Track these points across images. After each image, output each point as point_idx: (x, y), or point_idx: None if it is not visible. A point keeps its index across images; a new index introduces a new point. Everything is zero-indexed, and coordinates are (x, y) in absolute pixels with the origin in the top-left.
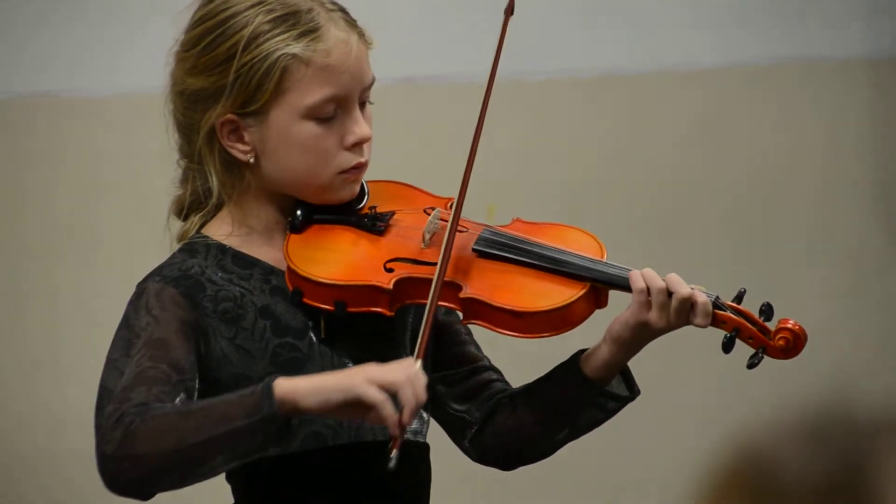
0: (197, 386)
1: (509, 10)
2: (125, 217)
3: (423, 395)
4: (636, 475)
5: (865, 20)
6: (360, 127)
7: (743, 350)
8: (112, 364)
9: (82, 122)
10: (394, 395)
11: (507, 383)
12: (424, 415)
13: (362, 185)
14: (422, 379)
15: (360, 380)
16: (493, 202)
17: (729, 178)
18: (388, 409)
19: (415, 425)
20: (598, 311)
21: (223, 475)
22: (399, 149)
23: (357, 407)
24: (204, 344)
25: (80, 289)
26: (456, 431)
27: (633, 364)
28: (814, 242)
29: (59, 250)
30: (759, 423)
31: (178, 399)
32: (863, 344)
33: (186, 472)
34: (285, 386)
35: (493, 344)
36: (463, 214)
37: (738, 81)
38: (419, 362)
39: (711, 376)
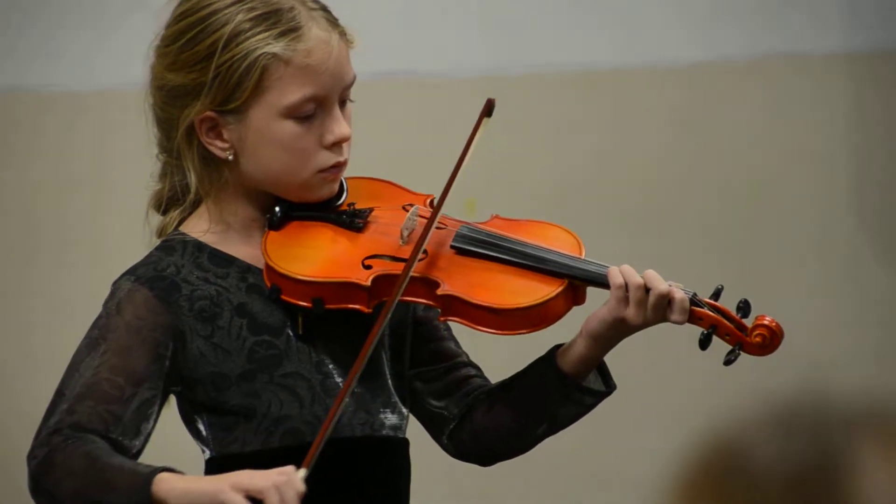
0: (159, 394)
1: (486, 112)
2: (101, 214)
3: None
4: (609, 470)
5: (846, 14)
6: (339, 126)
7: (719, 346)
8: (74, 366)
9: (61, 118)
10: (260, 503)
11: (485, 379)
12: (404, 410)
13: (341, 181)
14: (296, 486)
15: (226, 486)
16: (472, 197)
17: (708, 173)
18: None
19: (394, 420)
20: (575, 307)
21: (202, 469)
22: (377, 144)
23: None
24: (181, 345)
25: (55, 286)
26: (434, 428)
27: (606, 360)
28: (793, 237)
29: (34, 247)
30: (732, 418)
31: (130, 411)
32: (836, 339)
33: None
34: (164, 484)
35: (472, 339)
36: (442, 210)
37: (719, 76)
38: (302, 471)
39: (683, 371)
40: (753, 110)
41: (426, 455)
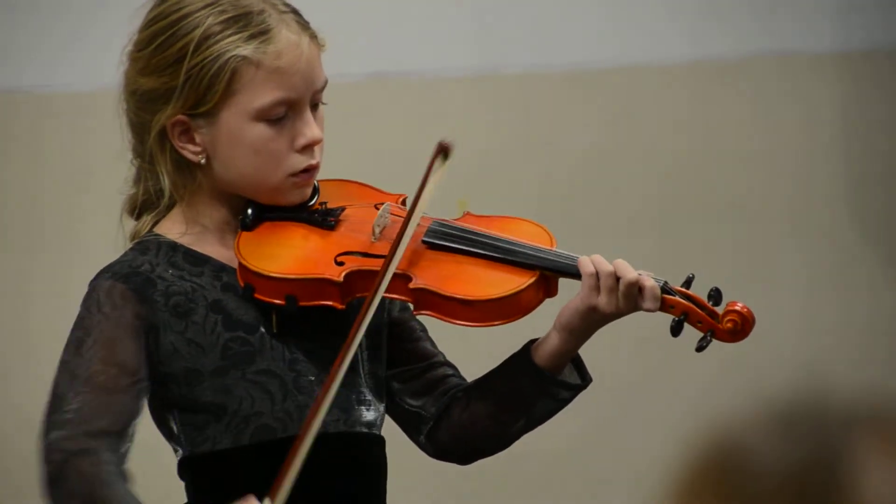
0: (146, 382)
1: (440, 151)
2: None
3: None
4: (606, 471)
5: (836, 14)
6: (310, 129)
7: (693, 335)
8: (64, 366)
9: (62, 118)
10: None
11: (462, 378)
12: (380, 407)
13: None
14: None
15: None
16: (464, 197)
17: (700, 172)
18: None
19: (369, 417)
20: (549, 301)
21: (175, 469)
22: (369, 145)
23: None
24: (153, 339)
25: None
26: (411, 427)
27: (603, 361)
28: (787, 236)
29: (36, 247)
30: (729, 418)
31: (129, 399)
32: (835, 338)
33: None
34: None
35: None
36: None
37: (710, 76)
38: (267, 501)
39: (679, 372)
40: (743, 110)
41: (413, 456)
